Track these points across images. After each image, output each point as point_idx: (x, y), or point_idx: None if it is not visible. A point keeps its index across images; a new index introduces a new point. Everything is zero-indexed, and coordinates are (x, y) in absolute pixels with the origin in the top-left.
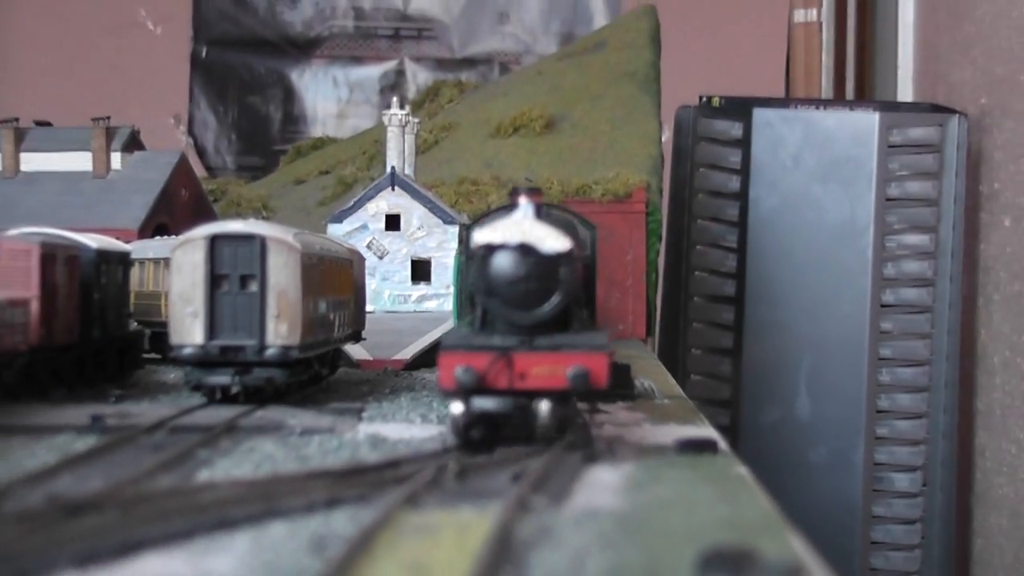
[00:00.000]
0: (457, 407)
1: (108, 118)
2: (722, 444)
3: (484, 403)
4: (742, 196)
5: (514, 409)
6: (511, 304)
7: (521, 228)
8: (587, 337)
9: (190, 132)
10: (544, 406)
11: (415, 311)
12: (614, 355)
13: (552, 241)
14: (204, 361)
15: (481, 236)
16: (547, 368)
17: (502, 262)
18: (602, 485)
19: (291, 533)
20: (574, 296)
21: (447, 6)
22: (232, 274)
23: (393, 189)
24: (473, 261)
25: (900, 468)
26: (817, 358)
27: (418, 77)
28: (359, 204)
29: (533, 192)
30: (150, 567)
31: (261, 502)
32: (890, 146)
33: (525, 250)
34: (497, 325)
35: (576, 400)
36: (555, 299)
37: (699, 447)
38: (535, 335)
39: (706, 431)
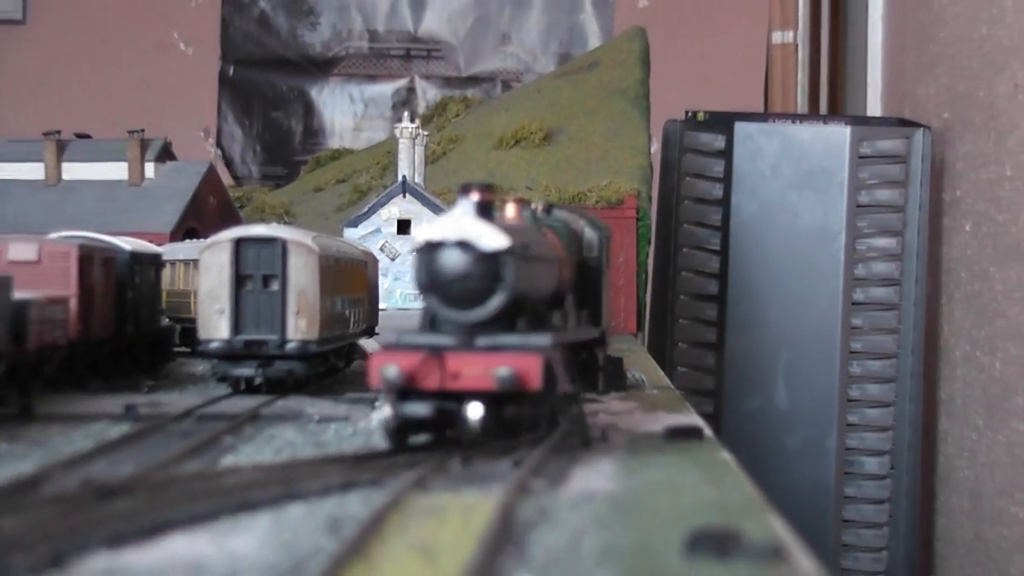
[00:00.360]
0: (385, 411)
1: (143, 131)
2: (707, 431)
3: (415, 408)
4: (724, 203)
5: (442, 413)
6: (450, 302)
7: (460, 225)
8: (528, 338)
9: (218, 144)
10: (472, 410)
11: None
12: (552, 357)
13: (490, 239)
14: (229, 354)
15: (421, 233)
16: (479, 369)
17: (439, 259)
18: (597, 470)
19: (308, 514)
20: (521, 295)
21: (454, 28)
22: (256, 274)
23: (404, 196)
24: (415, 258)
25: (869, 452)
26: (793, 351)
27: (427, 94)
28: (373, 210)
29: (484, 189)
30: (177, 547)
31: (281, 485)
32: (860, 157)
33: (463, 247)
34: (444, 325)
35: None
36: (496, 298)
37: (686, 434)
38: (478, 334)
39: (692, 419)
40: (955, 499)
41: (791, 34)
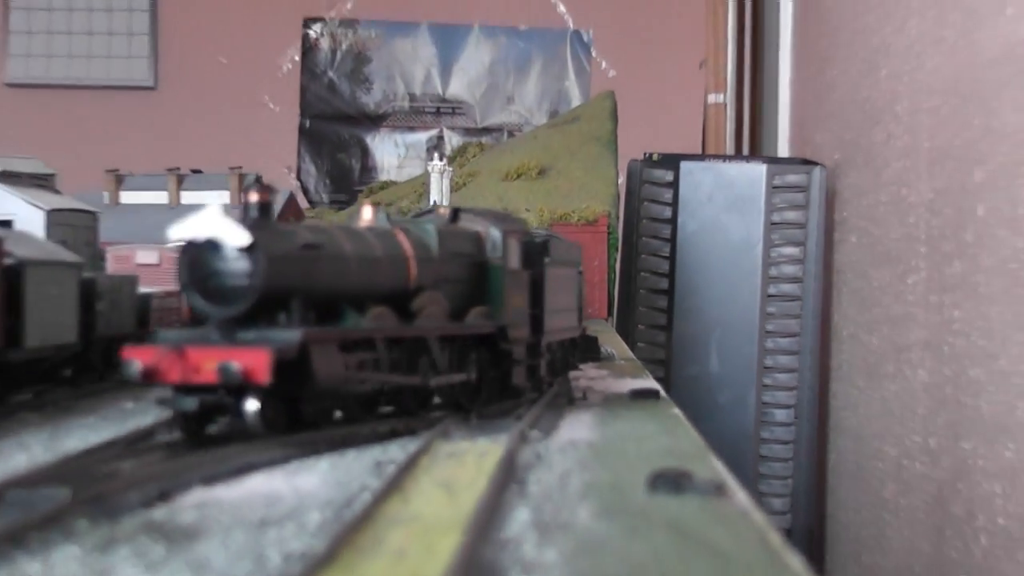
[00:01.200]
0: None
1: (241, 167)
2: (661, 392)
3: (184, 402)
4: (672, 221)
5: (220, 406)
6: (207, 298)
7: (209, 224)
8: (273, 333)
9: (298, 177)
10: (249, 404)
11: None
12: (285, 351)
13: (235, 236)
14: None
15: (175, 233)
16: (214, 363)
17: (194, 257)
18: (579, 422)
19: (359, 458)
20: (285, 290)
21: (472, 92)
22: None
23: (435, 216)
24: (178, 258)
25: (779, 406)
26: (724, 331)
27: (452, 140)
28: None
29: (263, 189)
30: (257, 484)
31: (341, 437)
32: (773, 187)
33: (212, 246)
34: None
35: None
36: (246, 295)
37: (646, 395)
38: (239, 329)
39: (650, 383)
40: (842, 441)
41: (722, 95)
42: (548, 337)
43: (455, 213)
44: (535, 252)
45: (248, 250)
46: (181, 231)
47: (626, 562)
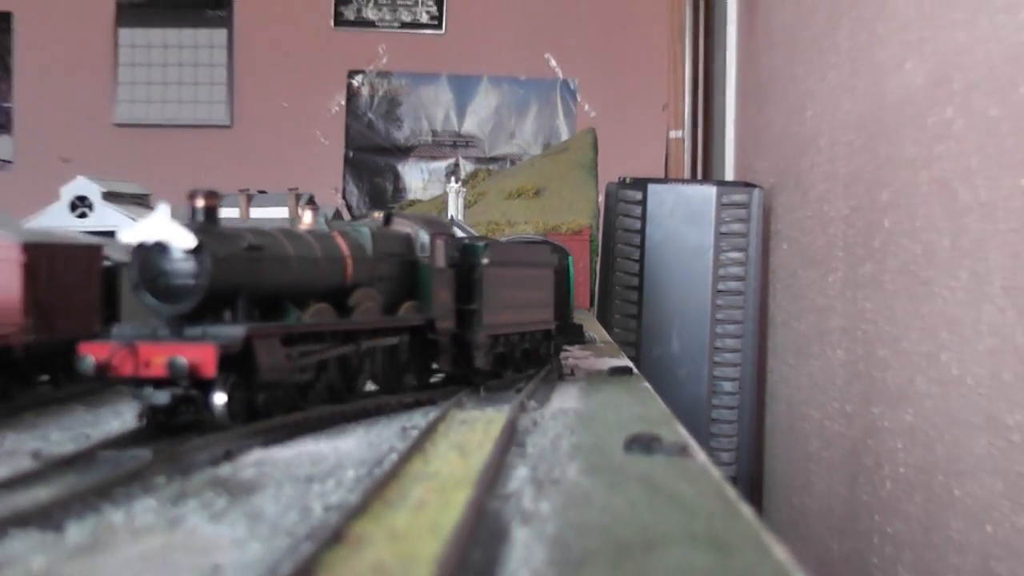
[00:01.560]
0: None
1: (297, 188)
2: (634, 369)
3: (156, 397)
4: (642, 232)
5: (182, 399)
6: (156, 296)
7: (158, 227)
8: (219, 329)
9: (343, 196)
10: (217, 398)
11: None
12: (230, 346)
13: (182, 239)
14: None
15: (126, 236)
16: (164, 358)
17: (144, 259)
18: (568, 394)
19: (388, 424)
20: (231, 288)
21: (482, 129)
22: None
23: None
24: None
25: (726, 379)
26: (682, 320)
27: (466, 167)
28: None
29: (209, 195)
30: (305, 446)
31: (374, 407)
32: (722, 204)
33: (160, 247)
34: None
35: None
36: (193, 292)
37: (622, 371)
38: (187, 325)
39: (625, 362)
40: (776, 406)
41: (680, 132)
42: (489, 330)
43: (388, 217)
44: (470, 253)
45: (195, 251)
46: (132, 234)
47: (607, 512)
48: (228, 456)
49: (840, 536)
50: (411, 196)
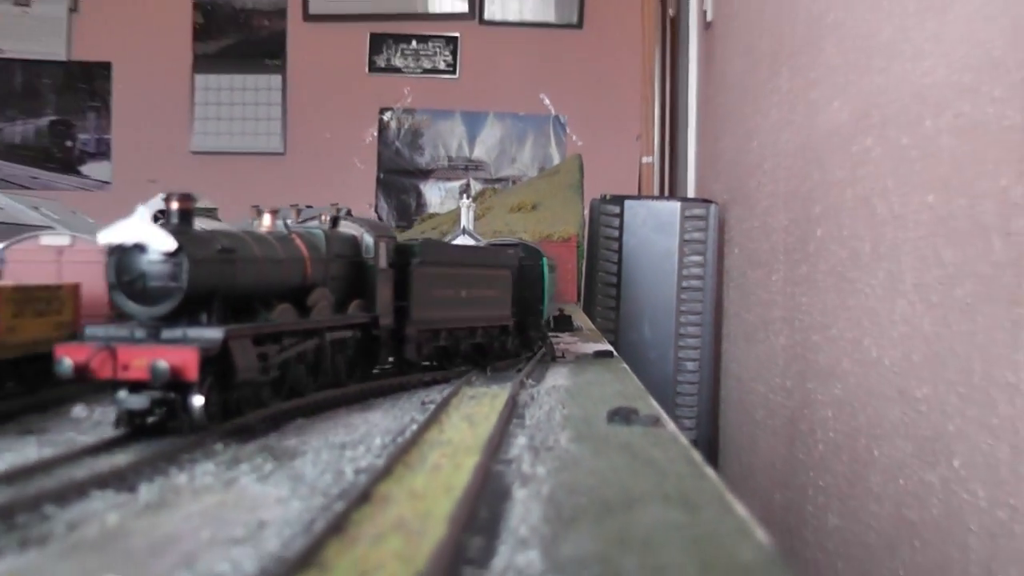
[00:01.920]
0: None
1: (337, 203)
2: (614, 352)
3: (134, 401)
4: (619, 239)
5: (160, 402)
6: (134, 299)
7: (136, 230)
8: (196, 331)
9: (375, 210)
10: (196, 400)
11: None
12: (211, 348)
13: (161, 241)
14: None
15: (104, 237)
16: (144, 360)
17: (120, 260)
18: (559, 373)
19: (410, 399)
20: (207, 290)
21: (489, 155)
22: None
23: (463, 235)
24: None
25: (689, 360)
26: (653, 311)
27: (475, 186)
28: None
29: (183, 198)
30: (339, 417)
31: (398, 384)
32: (685, 217)
33: (138, 249)
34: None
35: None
36: (172, 294)
37: (604, 354)
38: (164, 327)
39: (607, 346)
40: (729, 382)
41: (651, 158)
42: (421, 325)
43: (334, 220)
44: (404, 253)
45: (173, 254)
46: (109, 235)
47: (593, 475)
48: (275, 425)
49: (782, 488)
50: (431, 210)
